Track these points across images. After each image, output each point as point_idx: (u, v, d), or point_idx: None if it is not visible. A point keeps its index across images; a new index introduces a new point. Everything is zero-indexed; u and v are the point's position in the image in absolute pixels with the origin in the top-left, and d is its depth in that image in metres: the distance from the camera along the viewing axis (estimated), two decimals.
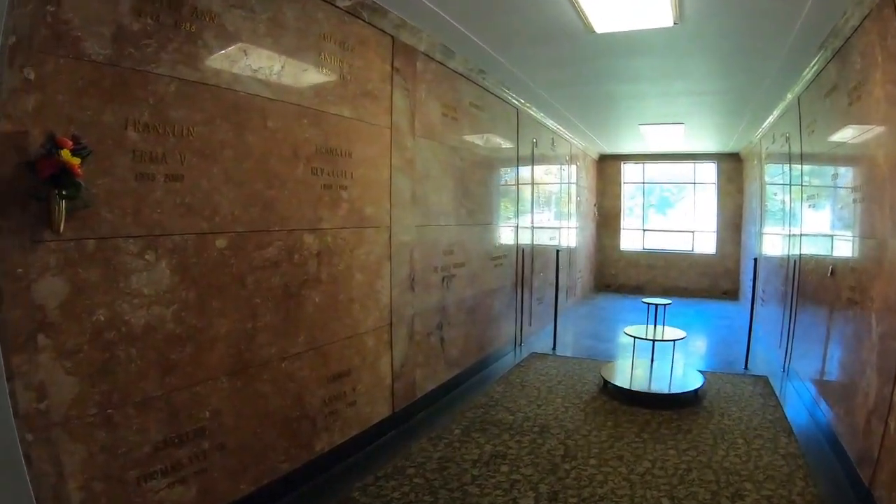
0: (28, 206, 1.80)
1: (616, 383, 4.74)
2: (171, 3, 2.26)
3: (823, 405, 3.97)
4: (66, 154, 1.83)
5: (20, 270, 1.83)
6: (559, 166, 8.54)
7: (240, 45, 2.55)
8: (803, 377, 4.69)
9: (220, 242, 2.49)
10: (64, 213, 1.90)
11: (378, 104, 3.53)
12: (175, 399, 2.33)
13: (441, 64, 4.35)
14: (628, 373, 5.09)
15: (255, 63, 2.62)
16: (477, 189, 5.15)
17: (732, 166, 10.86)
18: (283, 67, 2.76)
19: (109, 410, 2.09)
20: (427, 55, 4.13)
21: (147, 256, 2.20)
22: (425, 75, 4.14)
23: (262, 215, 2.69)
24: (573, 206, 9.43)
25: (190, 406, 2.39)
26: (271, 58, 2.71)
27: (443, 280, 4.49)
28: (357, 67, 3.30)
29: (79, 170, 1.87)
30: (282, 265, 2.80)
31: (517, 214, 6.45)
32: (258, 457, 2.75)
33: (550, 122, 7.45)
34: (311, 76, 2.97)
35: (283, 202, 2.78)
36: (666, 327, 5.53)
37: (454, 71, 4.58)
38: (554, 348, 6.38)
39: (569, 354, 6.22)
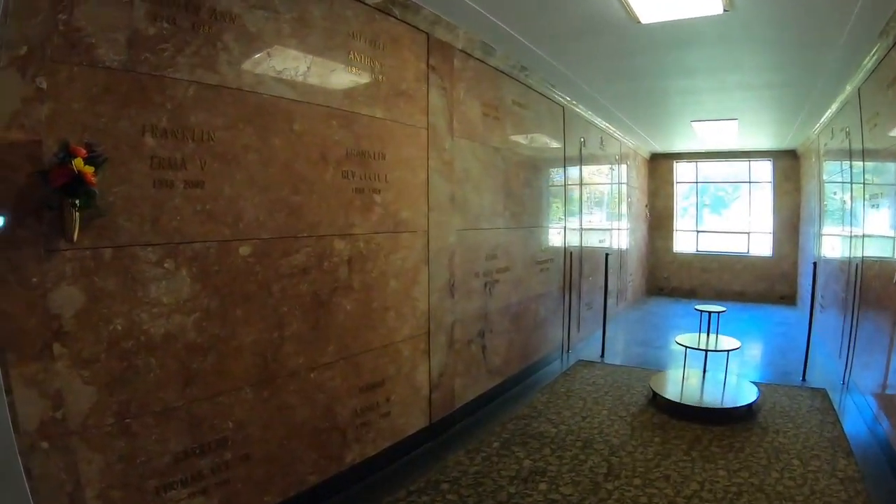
0: (43, 216, 1.68)
1: (665, 396, 4.23)
2: (189, 5, 2.06)
3: (885, 422, 3.39)
4: (78, 162, 1.70)
5: (35, 279, 1.71)
6: (608, 166, 7.92)
7: (262, 46, 2.31)
8: (864, 390, 4.07)
9: (244, 250, 2.28)
10: (78, 221, 1.76)
11: (413, 104, 3.21)
12: (196, 409, 2.14)
13: (480, 61, 3.96)
14: (679, 384, 4.55)
15: (279, 64, 2.39)
16: (521, 191, 4.73)
17: (789, 164, 9.75)
18: (309, 68, 2.51)
19: (128, 420, 1.93)
20: (465, 52, 3.75)
21: (166, 265, 2.02)
22: (464, 73, 3.77)
23: (289, 221, 2.46)
24: (624, 207, 8.74)
25: (212, 416, 2.20)
26: (297, 58, 2.47)
27: (485, 286, 4.13)
28: (390, 66, 3.00)
29: (92, 178, 1.73)
30: (311, 272, 2.56)
31: (565, 216, 5.95)
32: (285, 468, 2.53)
33: (599, 121, 6.88)
34: (339, 77, 2.70)
35: (311, 207, 2.54)
36: (720, 336, 4.91)
37: (495, 68, 4.17)
38: (602, 356, 5.85)
39: (617, 362, 5.68)
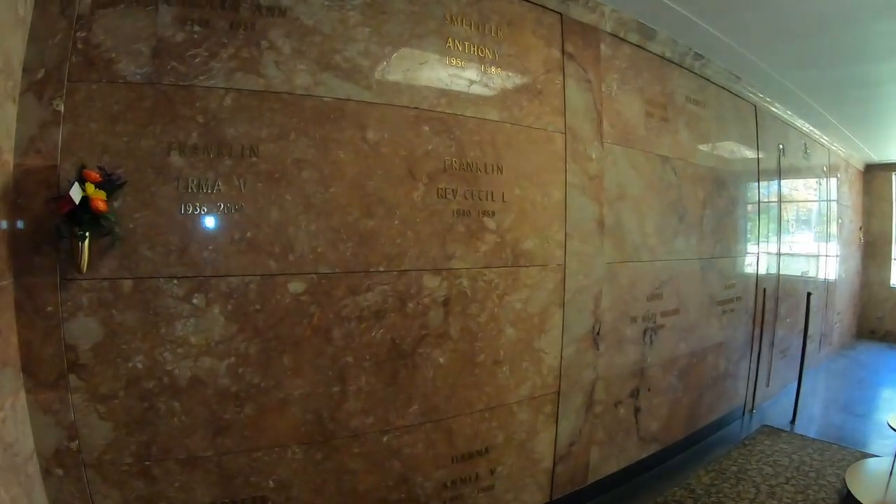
0: (60, 244, 1.18)
1: (863, 501, 2.09)
2: (226, 3, 1.33)
3: None
4: (89, 188, 1.15)
5: (50, 308, 1.25)
6: (814, 179, 4.95)
7: (323, 41, 1.45)
8: None
9: (296, 286, 1.43)
10: (86, 251, 1.19)
11: (542, 101, 1.95)
12: (228, 462, 1.39)
13: (638, 47, 2.38)
14: (883, 484, 2.26)
15: (345, 60, 1.49)
16: (699, 212, 2.88)
17: None
18: (389, 63, 1.56)
19: (147, 462, 1.30)
20: (615, 36, 2.26)
21: (195, 300, 1.31)
22: (615, 62, 2.27)
23: (358, 252, 1.52)
24: (832, 230, 5.47)
25: (248, 472, 1.42)
26: (370, 52, 1.54)
27: (644, 333, 2.48)
28: (506, 55, 1.83)
29: (101, 204, 1.15)
30: (388, 316, 1.57)
31: (758, 244, 3.67)
32: None
33: (800, 123, 4.22)
34: (432, 71, 1.66)
35: (390, 235, 1.56)
36: None
37: (659, 56, 2.51)
38: (793, 421, 3.38)
39: (810, 434, 3.19)
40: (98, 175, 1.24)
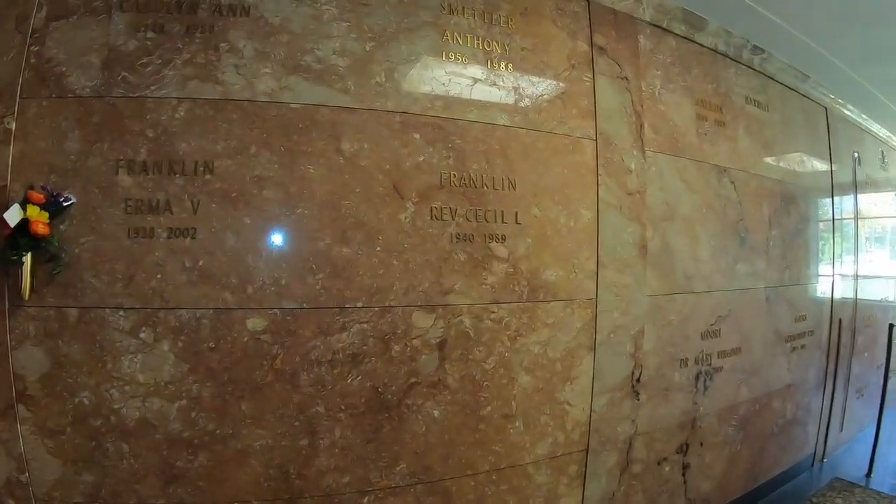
0: (8, 269, 0.90)
1: None
2: (183, 5, 1.00)
3: None
4: (32, 210, 0.86)
5: None
6: (893, 193, 3.59)
7: (291, 40, 1.07)
8: None
9: (255, 323, 1.04)
10: (29, 276, 0.90)
11: (566, 102, 1.41)
12: None
13: (685, 39, 1.75)
14: None
15: (317, 61, 1.08)
16: (764, 233, 2.09)
17: None
18: (369, 62, 1.13)
19: None
20: (656, 26, 1.65)
21: (143, 335, 0.97)
22: (657, 56, 1.66)
23: (331, 285, 1.10)
24: None
25: None
26: (346, 50, 1.11)
27: (697, 378, 1.79)
28: (519, 49, 1.32)
29: (41, 227, 0.86)
30: (367, 360, 1.13)
31: (832, 267, 2.68)
32: None
33: (876, 127, 3.13)
34: (424, 69, 1.20)
35: (369, 265, 1.12)
36: None
37: (711, 49, 1.84)
38: (869, 473, 2.39)
39: (886, 491, 2.22)
40: (42, 196, 0.94)
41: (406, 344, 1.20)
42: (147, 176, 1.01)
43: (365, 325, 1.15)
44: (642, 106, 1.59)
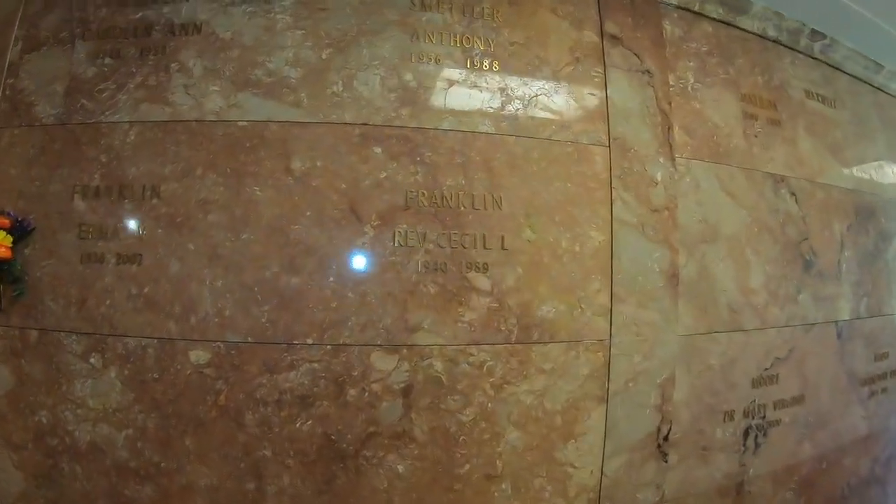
0: None
1: None
2: (138, 30, 0.94)
3: None
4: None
5: None
6: None
7: (242, 53, 0.95)
8: None
9: (198, 356, 0.90)
10: None
11: (569, 102, 1.11)
12: None
13: (724, 24, 1.33)
14: None
15: (267, 74, 0.95)
16: (832, 255, 1.56)
17: None
18: (325, 70, 0.97)
19: None
20: (685, 9, 1.27)
21: (92, 360, 0.89)
22: (688, 45, 1.26)
23: (277, 317, 0.92)
24: None
25: None
26: (300, 60, 0.96)
27: (745, 434, 1.34)
28: (508, 43, 1.07)
29: (3, 251, 0.82)
30: (318, 404, 0.94)
31: None
32: None
33: None
34: (389, 74, 1.00)
35: (321, 296, 0.94)
36: None
37: (758, 35, 1.39)
38: None
39: None
40: (8, 221, 0.91)
41: (364, 388, 0.94)
42: (99, 201, 0.91)
43: (315, 365, 0.93)
44: (670, 104, 1.18)
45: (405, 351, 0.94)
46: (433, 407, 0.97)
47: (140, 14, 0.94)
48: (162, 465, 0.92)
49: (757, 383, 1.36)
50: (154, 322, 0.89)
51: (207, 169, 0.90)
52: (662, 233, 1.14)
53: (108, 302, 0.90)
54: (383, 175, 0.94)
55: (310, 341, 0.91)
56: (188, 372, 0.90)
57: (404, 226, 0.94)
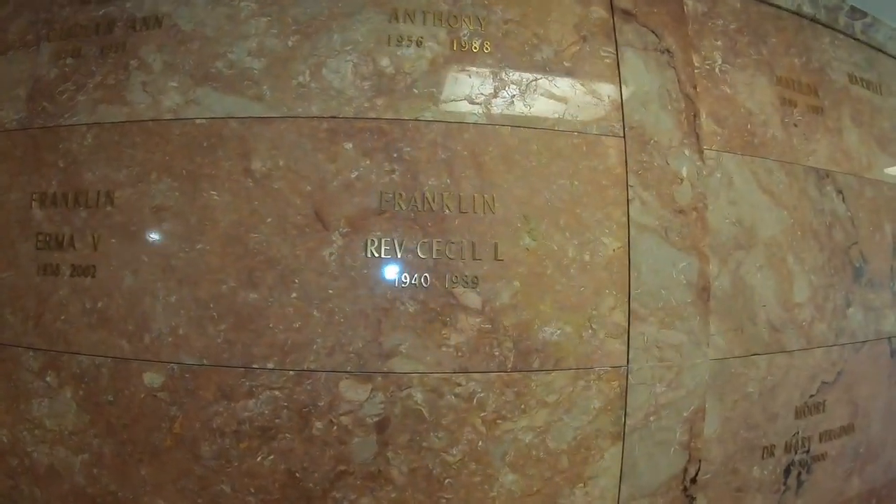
0: None
1: None
2: (100, 27, 0.84)
3: None
4: None
5: None
6: None
7: (203, 46, 0.83)
8: None
9: (152, 378, 0.77)
10: None
11: (575, 86, 0.92)
12: None
13: (755, 0, 1.08)
14: None
15: (228, 66, 0.82)
16: (886, 261, 1.28)
17: None
18: (291, 59, 0.83)
19: None
20: None
21: (48, 378, 0.79)
22: (714, 22, 1.03)
23: (235, 338, 0.77)
24: None
25: None
26: (264, 49, 0.83)
27: (787, 472, 1.09)
28: (502, 21, 0.89)
29: None
30: (280, 436, 0.79)
31: None
32: None
33: None
34: (362, 61, 0.85)
35: (283, 314, 0.79)
36: None
37: (793, 12, 1.13)
38: None
39: None
40: None
41: (332, 421, 0.78)
42: (55, 209, 0.80)
43: (277, 392, 0.77)
44: (695, 88, 0.97)
45: (379, 379, 0.78)
46: (413, 444, 0.79)
47: (102, 11, 0.83)
48: (119, 494, 0.79)
49: (801, 413, 1.10)
50: (107, 340, 0.77)
51: (162, 172, 0.77)
52: (689, 238, 0.92)
53: (62, 317, 0.78)
54: (354, 175, 0.78)
55: (270, 365, 0.76)
56: (142, 395, 0.77)
57: (378, 233, 0.78)
